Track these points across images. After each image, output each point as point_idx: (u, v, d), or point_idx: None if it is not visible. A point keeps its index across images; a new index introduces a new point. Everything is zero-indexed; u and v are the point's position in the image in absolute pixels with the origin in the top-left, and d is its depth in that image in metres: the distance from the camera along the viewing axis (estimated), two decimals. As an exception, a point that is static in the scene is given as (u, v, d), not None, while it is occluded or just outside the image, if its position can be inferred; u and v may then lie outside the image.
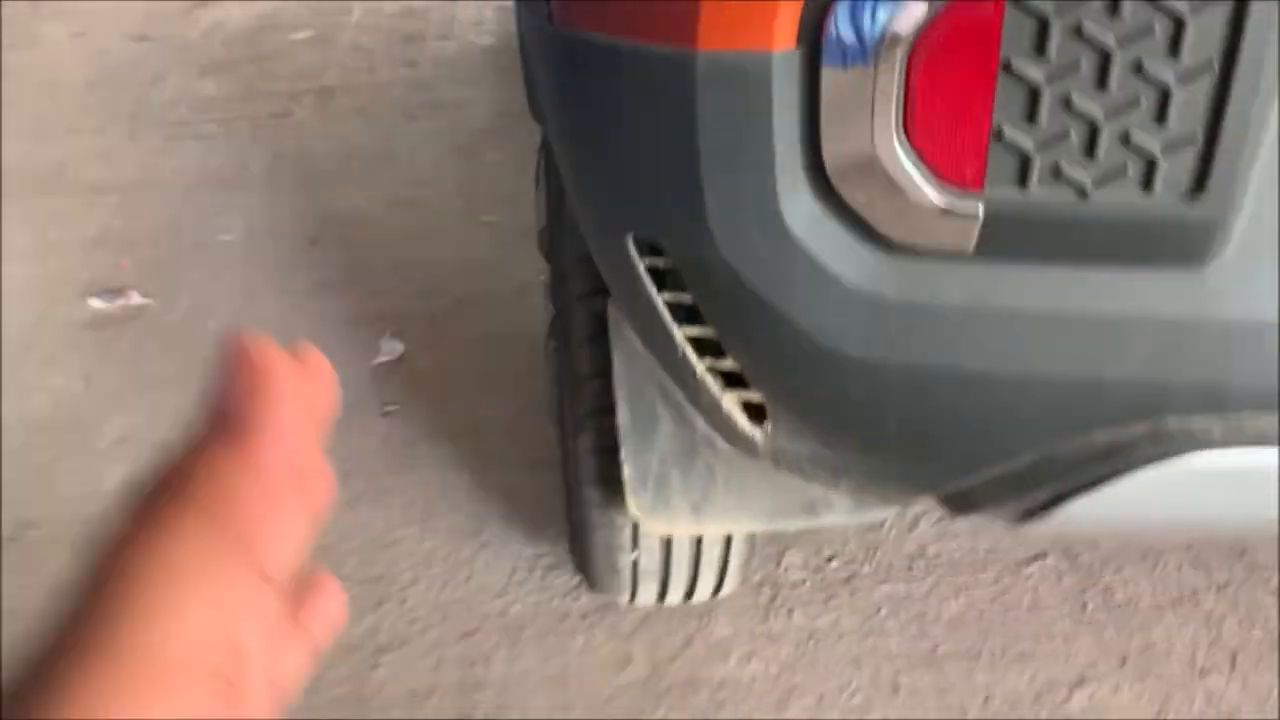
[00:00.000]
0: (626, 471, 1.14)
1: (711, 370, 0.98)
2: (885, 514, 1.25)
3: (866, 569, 1.69)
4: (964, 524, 1.77)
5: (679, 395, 1.06)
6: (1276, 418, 0.86)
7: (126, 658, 0.27)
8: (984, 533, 1.75)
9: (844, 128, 0.79)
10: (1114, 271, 0.81)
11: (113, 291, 2.59)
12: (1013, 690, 1.48)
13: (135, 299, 2.57)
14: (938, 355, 0.86)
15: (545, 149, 1.28)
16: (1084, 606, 1.61)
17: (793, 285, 0.85)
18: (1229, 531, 1.07)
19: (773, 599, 1.64)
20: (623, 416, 1.11)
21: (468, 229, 2.85)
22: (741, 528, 1.23)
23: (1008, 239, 0.81)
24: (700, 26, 0.78)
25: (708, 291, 0.91)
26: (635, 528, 1.30)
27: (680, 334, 0.97)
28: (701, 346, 0.97)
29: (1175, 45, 0.72)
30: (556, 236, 1.23)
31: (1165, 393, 0.85)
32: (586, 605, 1.65)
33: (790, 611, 1.62)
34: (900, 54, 0.75)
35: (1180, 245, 0.79)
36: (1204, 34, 0.71)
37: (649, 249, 0.93)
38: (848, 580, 1.67)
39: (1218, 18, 0.71)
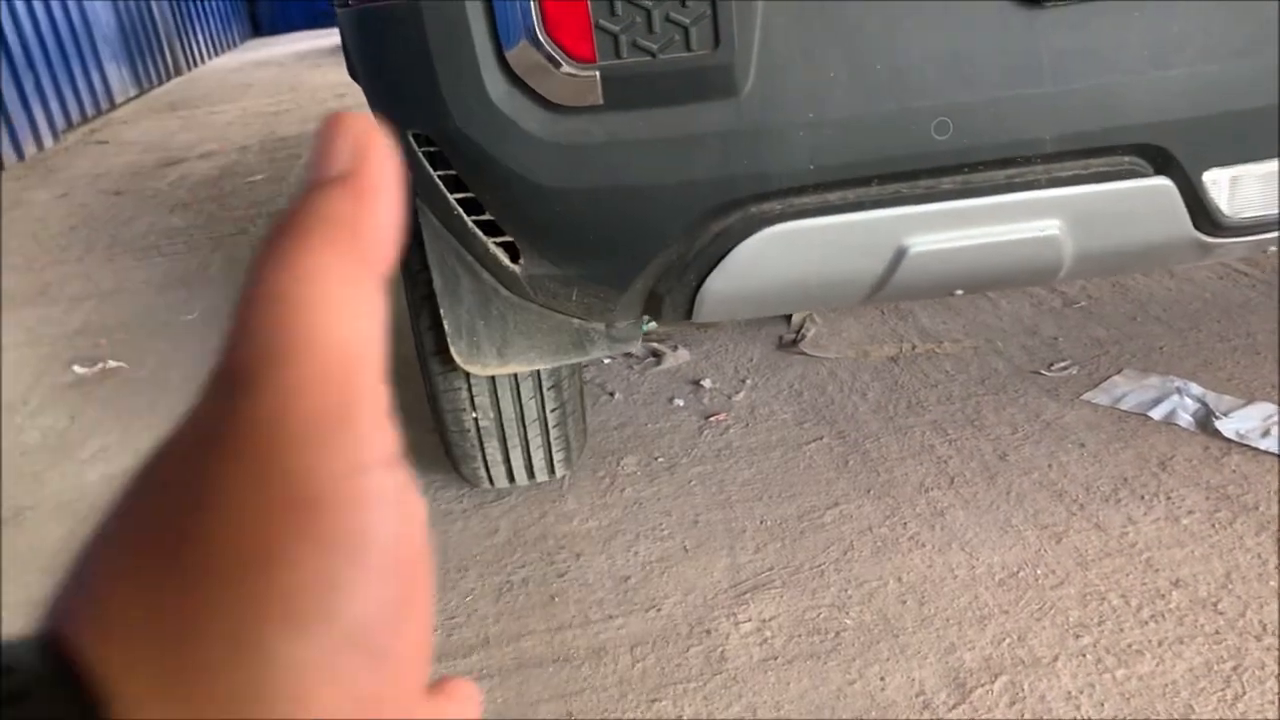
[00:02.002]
0: (446, 326, 1.63)
1: (477, 223, 1.49)
2: (633, 346, 1.71)
3: (685, 460, 2.16)
4: (764, 425, 2.25)
5: (468, 257, 1.57)
6: (812, 196, 1.37)
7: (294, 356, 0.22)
8: (777, 429, 2.22)
9: (511, 33, 1.32)
10: (688, 105, 1.33)
11: (91, 360, 3.09)
12: (782, 514, 1.93)
13: (111, 364, 3.06)
14: (598, 177, 1.37)
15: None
16: (846, 463, 2.07)
17: (502, 140, 1.36)
18: (820, 292, 1.53)
19: (611, 484, 2.10)
20: (436, 283, 1.61)
21: (391, 289, 3.37)
22: (536, 364, 1.69)
23: (620, 92, 1.32)
24: (420, -18, 1.32)
25: (459, 159, 1.42)
26: (470, 387, 1.78)
27: (453, 199, 1.48)
28: (468, 206, 1.48)
29: (679, -41, 1.26)
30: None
31: (735, 184, 1.36)
32: (467, 505, 2.10)
33: (623, 490, 2.08)
34: (533, -17, 1.29)
35: (717, 83, 1.31)
36: (693, -49, 1.26)
37: (423, 140, 1.44)
38: (670, 468, 2.13)
39: (698, -59, 1.25)
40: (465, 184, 1.46)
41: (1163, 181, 1.37)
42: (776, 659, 1.58)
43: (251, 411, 0.23)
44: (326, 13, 11.61)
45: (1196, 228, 1.42)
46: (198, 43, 11.00)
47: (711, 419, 2.30)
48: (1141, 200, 1.38)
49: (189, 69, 10.40)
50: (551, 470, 2.00)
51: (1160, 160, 1.36)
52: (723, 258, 1.41)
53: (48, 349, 3.28)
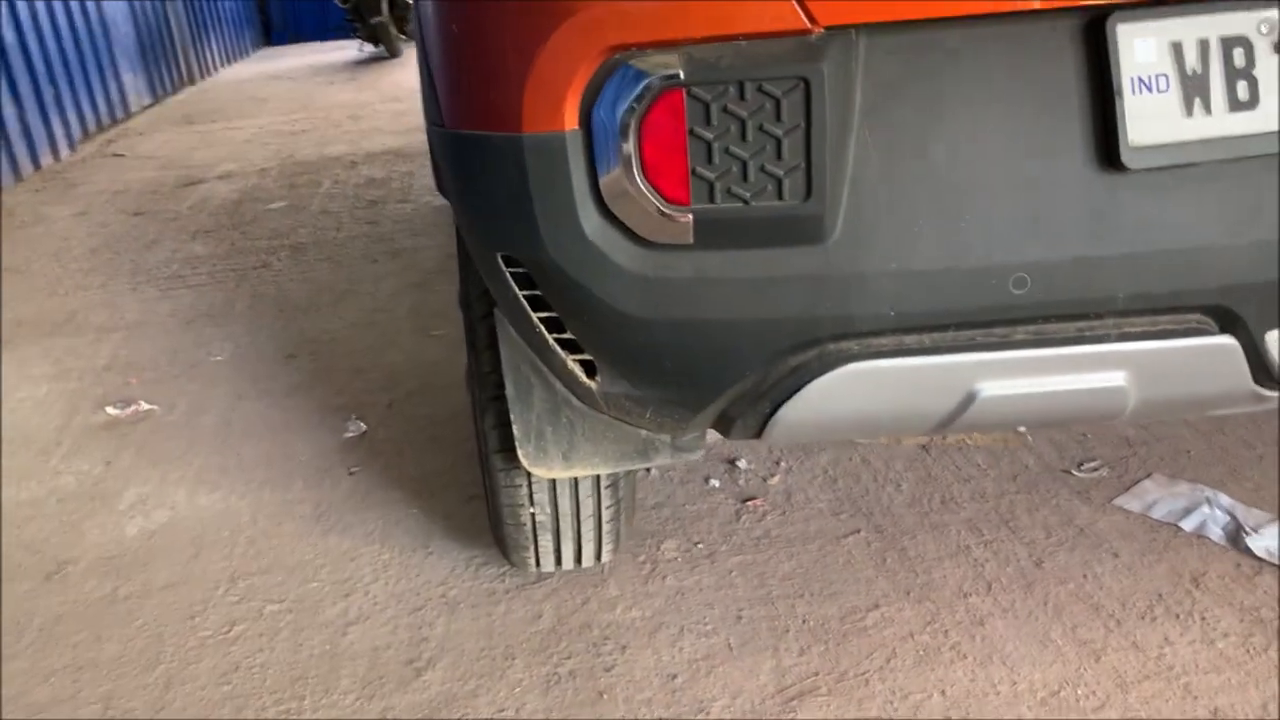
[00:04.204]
0: (515, 430, 1.67)
1: (558, 340, 1.53)
2: (696, 455, 1.76)
3: (724, 548, 2.20)
4: (800, 513, 2.29)
5: (543, 367, 1.61)
6: (889, 338, 1.41)
7: None
8: (814, 519, 2.27)
9: (609, 174, 1.36)
10: (775, 249, 1.38)
11: (124, 401, 3.12)
12: (824, 615, 1.97)
13: (143, 406, 3.09)
14: (682, 310, 1.41)
15: (457, 228, 1.86)
16: (884, 561, 2.11)
17: (592, 270, 1.41)
18: (888, 425, 1.59)
19: (652, 570, 2.14)
20: (509, 389, 1.65)
21: (418, 341, 3.42)
22: (599, 469, 1.73)
23: (710, 233, 1.37)
24: (524, 119, 1.36)
25: (547, 283, 1.46)
26: (530, 485, 1.82)
27: (536, 318, 1.52)
28: (550, 325, 1.52)
29: (778, 114, 1.30)
30: (465, 284, 1.79)
31: (817, 325, 1.40)
32: (510, 585, 2.13)
33: (664, 578, 2.11)
34: (634, 128, 1.33)
35: (806, 230, 1.36)
36: (793, 106, 1.30)
37: (511, 261, 1.49)
38: (709, 556, 2.17)
39: (798, 97, 1.30)
40: (550, 305, 1.50)
41: (1227, 340, 1.42)
42: (825, 773, 1.62)
43: None
44: (337, 26, 11.58)
45: (1256, 382, 1.47)
46: (211, 51, 11.02)
47: (748, 503, 2.34)
48: (1206, 357, 1.43)
49: (202, 78, 10.42)
50: (598, 558, 2.04)
51: (1226, 320, 1.41)
52: (798, 390, 1.45)
53: (76, 384, 3.31)
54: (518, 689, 1.85)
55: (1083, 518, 2.21)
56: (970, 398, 1.45)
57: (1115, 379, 1.44)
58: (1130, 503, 2.24)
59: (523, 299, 1.51)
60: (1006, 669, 1.80)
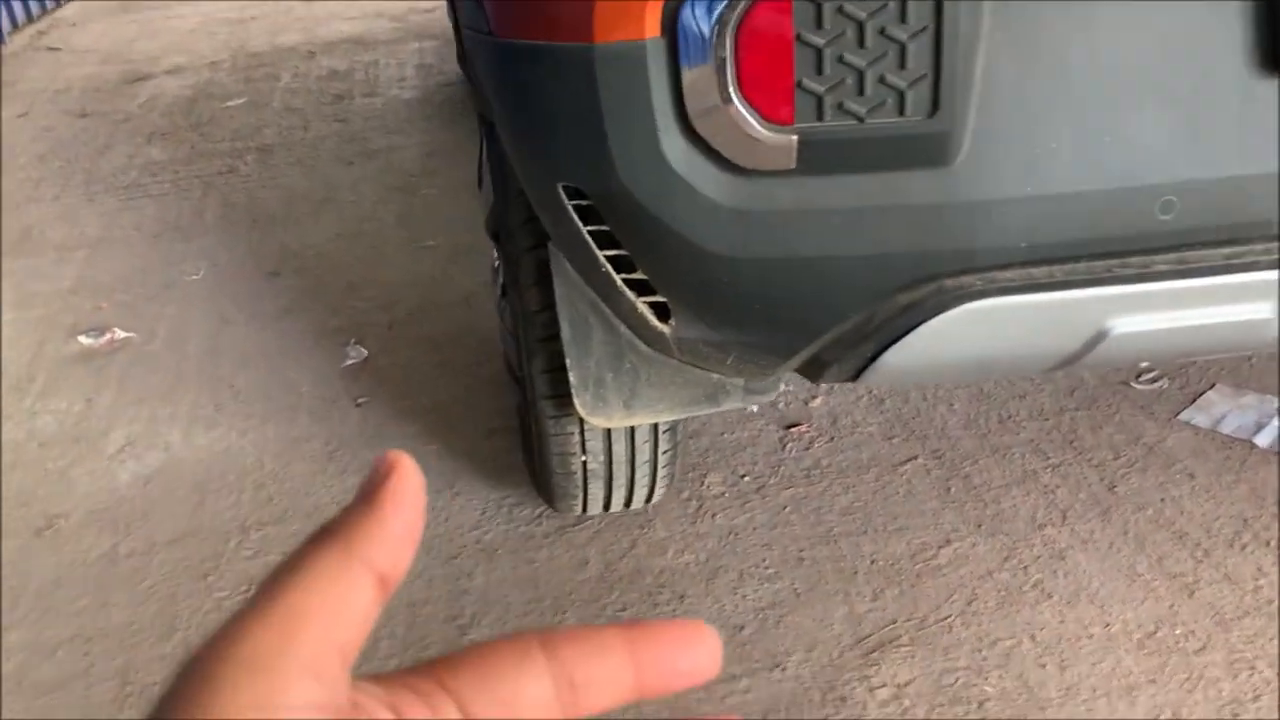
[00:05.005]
0: (572, 377, 1.49)
1: (627, 281, 1.35)
2: (769, 397, 1.60)
3: (773, 481, 2.06)
4: (849, 439, 2.15)
5: (605, 309, 1.42)
6: (1016, 272, 1.25)
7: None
8: (865, 444, 2.13)
9: (698, 89, 1.16)
10: (892, 173, 1.19)
11: (98, 329, 2.88)
12: (892, 553, 1.85)
13: (119, 334, 2.86)
14: (779, 246, 1.23)
15: (486, 149, 1.65)
16: (948, 490, 1.99)
17: (673, 202, 1.22)
18: (1001, 368, 1.44)
19: (699, 508, 2.00)
20: (565, 333, 1.47)
21: (411, 253, 3.19)
22: (663, 417, 1.58)
23: (816, 157, 1.18)
24: (595, 26, 1.15)
25: (618, 218, 1.28)
26: (583, 433, 1.65)
27: (602, 256, 1.33)
28: (618, 264, 1.34)
29: (904, 14, 1.11)
30: (505, 210, 1.59)
31: (937, 259, 1.23)
32: (548, 528, 1.98)
33: (713, 516, 1.98)
34: (729, 35, 1.13)
35: (930, 151, 1.18)
36: (920, 7, 1.10)
37: (574, 193, 1.29)
38: (759, 490, 2.03)
39: (928, -4, 1.10)
40: (619, 242, 1.31)
41: (1387, 265, 1.27)
42: (921, 733, 1.52)
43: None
44: (280, -99, 10.65)
45: None
46: (141, -70, 10.28)
47: (792, 430, 2.19)
48: (1363, 283, 1.28)
49: (134, -40, 9.74)
50: (649, 500, 1.89)
51: (1386, 242, 1.26)
52: (909, 331, 1.29)
53: (42, 311, 3.06)
54: (574, 648, 1.71)
55: (1150, 435, 2.09)
56: (1100, 335, 1.29)
57: (1262, 310, 1.29)
58: (1197, 417, 2.12)
59: (587, 235, 1.32)
60: (1096, 608, 1.69)
